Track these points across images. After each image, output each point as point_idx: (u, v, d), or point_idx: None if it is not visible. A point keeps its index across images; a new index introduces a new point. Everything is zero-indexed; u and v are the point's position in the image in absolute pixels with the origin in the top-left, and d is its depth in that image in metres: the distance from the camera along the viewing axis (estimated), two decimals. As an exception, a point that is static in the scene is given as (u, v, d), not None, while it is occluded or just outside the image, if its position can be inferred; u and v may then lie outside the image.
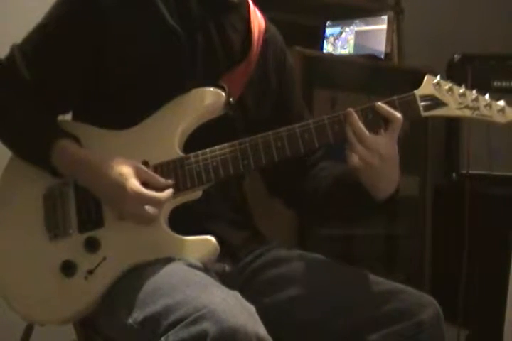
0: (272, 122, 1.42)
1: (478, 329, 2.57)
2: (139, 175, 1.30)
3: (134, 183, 1.28)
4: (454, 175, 2.68)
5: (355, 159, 1.32)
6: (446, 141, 2.77)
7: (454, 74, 2.64)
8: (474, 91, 1.38)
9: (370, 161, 1.31)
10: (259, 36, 1.50)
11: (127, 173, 1.29)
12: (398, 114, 1.33)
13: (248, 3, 1.54)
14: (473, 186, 2.59)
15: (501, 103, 1.38)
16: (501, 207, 2.56)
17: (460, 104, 1.37)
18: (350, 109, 1.34)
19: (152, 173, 1.32)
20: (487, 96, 1.38)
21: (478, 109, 1.37)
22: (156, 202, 1.29)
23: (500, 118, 1.38)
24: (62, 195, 1.36)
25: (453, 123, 2.67)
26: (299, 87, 1.62)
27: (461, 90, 1.37)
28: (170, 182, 1.32)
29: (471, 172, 2.59)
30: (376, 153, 1.31)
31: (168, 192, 1.31)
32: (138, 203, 1.28)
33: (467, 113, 1.37)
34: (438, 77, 1.38)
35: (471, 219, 2.54)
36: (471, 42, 2.89)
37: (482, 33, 3.11)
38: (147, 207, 1.28)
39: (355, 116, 1.33)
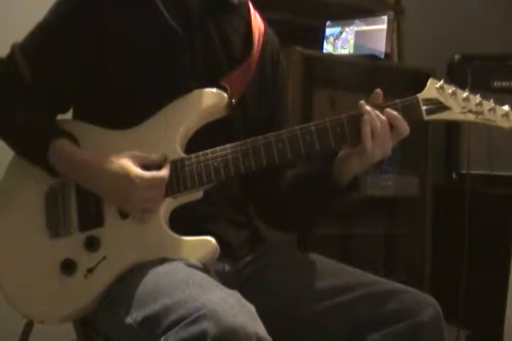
0: (270, 123, 1.41)
1: (478, 329, 2.57)
2: (136, 162, 1.31)
3: (138, 171, 1.29)
4: (454, 175, 2.68)
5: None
6: (446, 141, 2.77)
7: (454, 74, 2.64)
8: (478, 96, 1.36)
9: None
10: (259, 37, 1.50)
11: (127, 164, 1.30)
12: (406, 126, 1.34)
13: (248, 5, 1.54)
14: (473, 186, 2.59)
15: (506, 108, 1.37)
16: (501, 207, 2.56)
17: (463, 108, 1.35)
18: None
19: (145, 155, 1.33)
20: (491, 100, 1.36)
21: (482, 113, 1.35)
22: (161, 181, 1.30)
23: (504, 123, 1.36)
24: (64, 194, 1.37)
25: (453, 124, 2.67)
26: (289, 91, 1.62)
27: (465, 94, 1.36)
28: (163, 156, 1.33)
29: (471, 172, 2.59)
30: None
31: (167, 167, 1.31)
32: (146, 188, 1.29)
33: (471, 117, 1.36)
34: (442, 81, 1.36)
35: (471, 219, 2.54)
36: (471, 42, 2.89)
37: (482, 33, 3.11)
38: (152, 191, 1.29)
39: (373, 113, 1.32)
